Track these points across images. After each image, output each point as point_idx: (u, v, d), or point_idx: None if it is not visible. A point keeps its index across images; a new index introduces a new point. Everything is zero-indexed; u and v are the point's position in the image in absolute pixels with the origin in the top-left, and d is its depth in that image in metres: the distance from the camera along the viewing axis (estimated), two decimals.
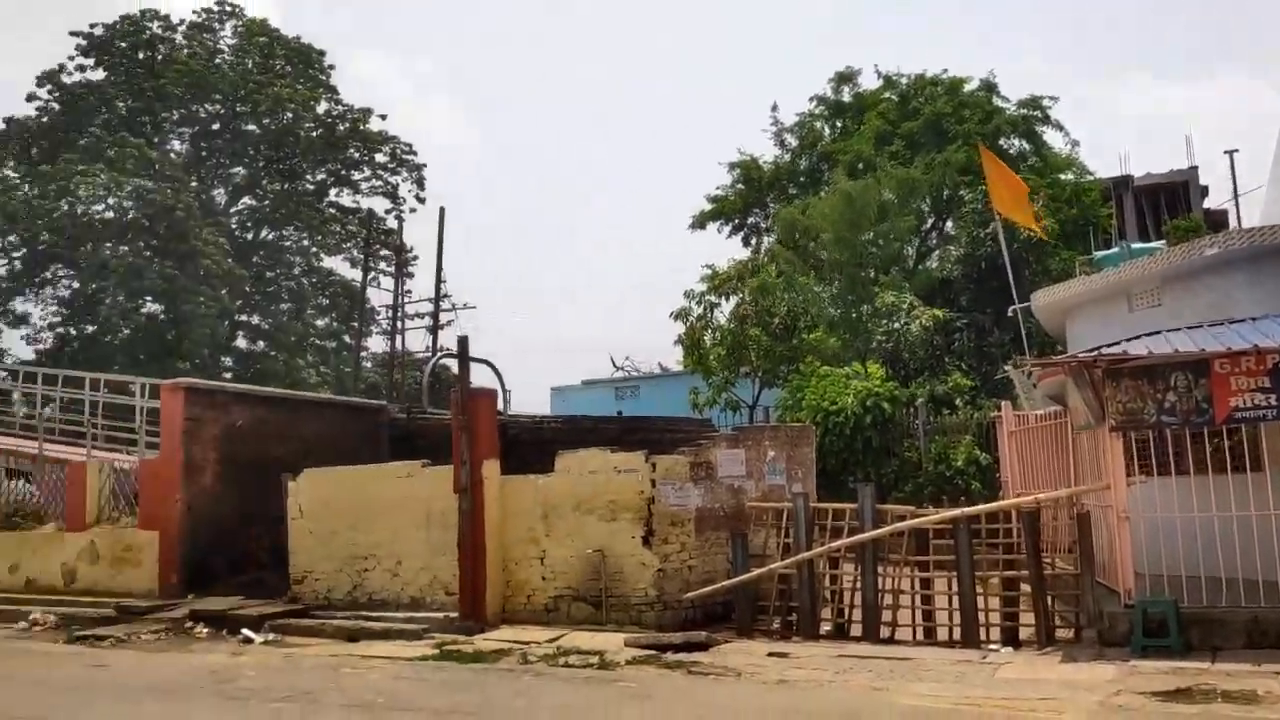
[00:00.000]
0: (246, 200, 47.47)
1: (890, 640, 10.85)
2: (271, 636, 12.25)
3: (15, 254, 41.80)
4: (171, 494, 14.69)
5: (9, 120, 44.20)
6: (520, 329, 75.45)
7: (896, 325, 22.18)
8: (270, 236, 47.09)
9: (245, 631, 12.31)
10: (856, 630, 11.23)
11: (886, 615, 11.07)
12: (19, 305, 43.20)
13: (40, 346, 42.90)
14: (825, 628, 11.47)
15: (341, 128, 46.12)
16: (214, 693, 9.16)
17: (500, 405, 15.56)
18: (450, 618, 12.14)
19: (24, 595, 15.51)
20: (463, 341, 13.57)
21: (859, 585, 11.35)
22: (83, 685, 9.80)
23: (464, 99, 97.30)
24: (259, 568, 14.94)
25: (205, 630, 12.74)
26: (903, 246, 26.20)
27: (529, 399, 45.49)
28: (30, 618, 14.10)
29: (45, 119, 43.85)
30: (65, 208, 39.05)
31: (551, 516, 12.43)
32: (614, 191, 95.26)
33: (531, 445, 14.03)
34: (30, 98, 44.14)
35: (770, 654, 10.27)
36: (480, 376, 14.21)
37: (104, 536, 15.27)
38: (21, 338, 43.53)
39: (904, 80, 32.69)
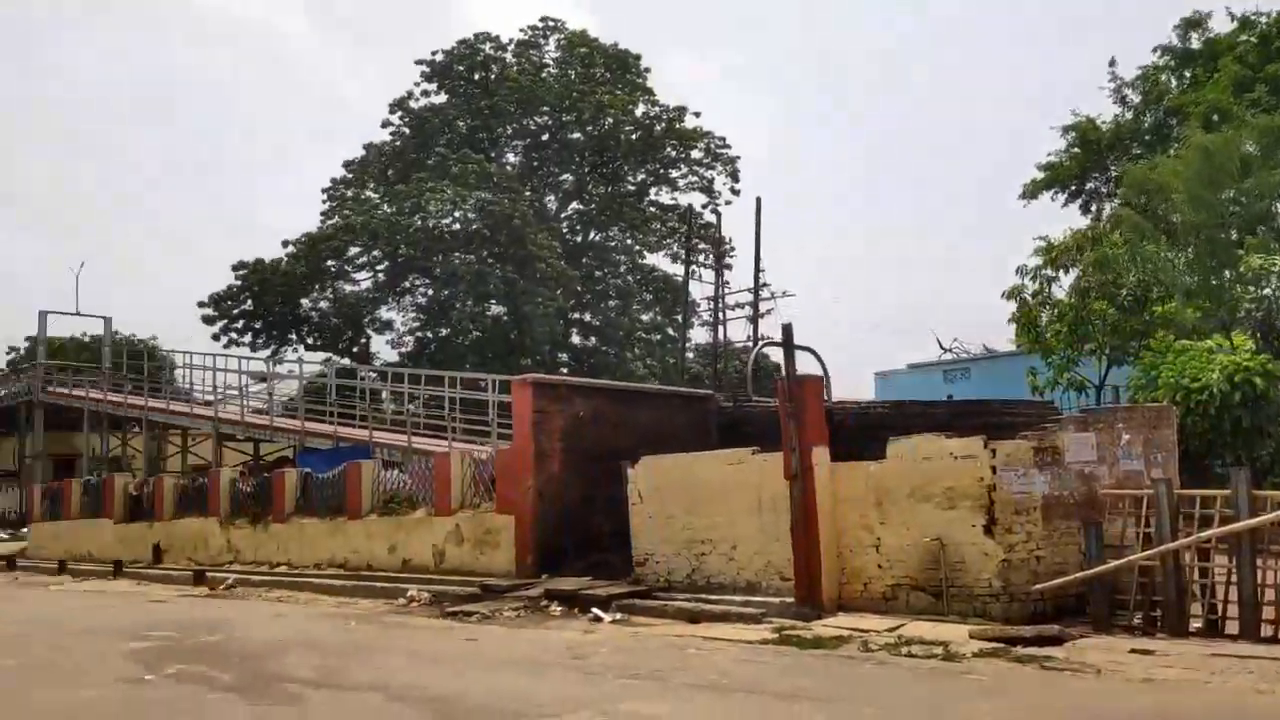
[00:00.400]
0: (575, 205, 50.14)
1: (1273, 640, 9.74)
2: (618, 616, 12.85)
3: (379, 267, 46.45)
4: (524, 481, 15.77)
5: (368, 147, 49.29)
6: (840, 314, 74.74)
7: (1267, 291, 19.89)
8: (597, 238, 49.46)
9: (595, 610, 13.00)
10: (1231, 628, 10.17)
11: (1268, 612, 9.94)
12: (384, 313, 48.06)
13: (403, 349, 47.51)
14: (1194, 625, 10.47)
15: (658, 128, 47.58)
16: (572, 667, 9.73)
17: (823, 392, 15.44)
18: (786, 603, 12.20)
19: (401, 574, 17.25)
20: (787, 329, 13.57)
21: (1233, 579, 10.26)
22: (456, 657, 10.72)
23: (772, 85, 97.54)
24: (602, 550, 15.73)
25: (559, 608, 13.57)
26: (1270, 204, 23.45)
27: (851, 385, 44.95)
28: (408, 594, 15.66)
29: (398, 143, 48.47)
30: (419, 223, 42.93)
31: (885, 504, 12.17)
32: (931, 169, 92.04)
33: (858, 431, 13.80)
34: (385, 124, 49.02)
35: (1132, 650, 9.51)
36: (803, 364, 14.11)
37: (467, 520, 16.65)
38: (386, 342, 48.46)
39: (1263, 20, 29.27)
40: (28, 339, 52.78)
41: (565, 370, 43.72)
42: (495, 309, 44.74)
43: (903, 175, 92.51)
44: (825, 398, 14.61)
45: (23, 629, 14.44)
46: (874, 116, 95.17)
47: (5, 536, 32.51)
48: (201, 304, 45.08)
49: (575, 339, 48.61)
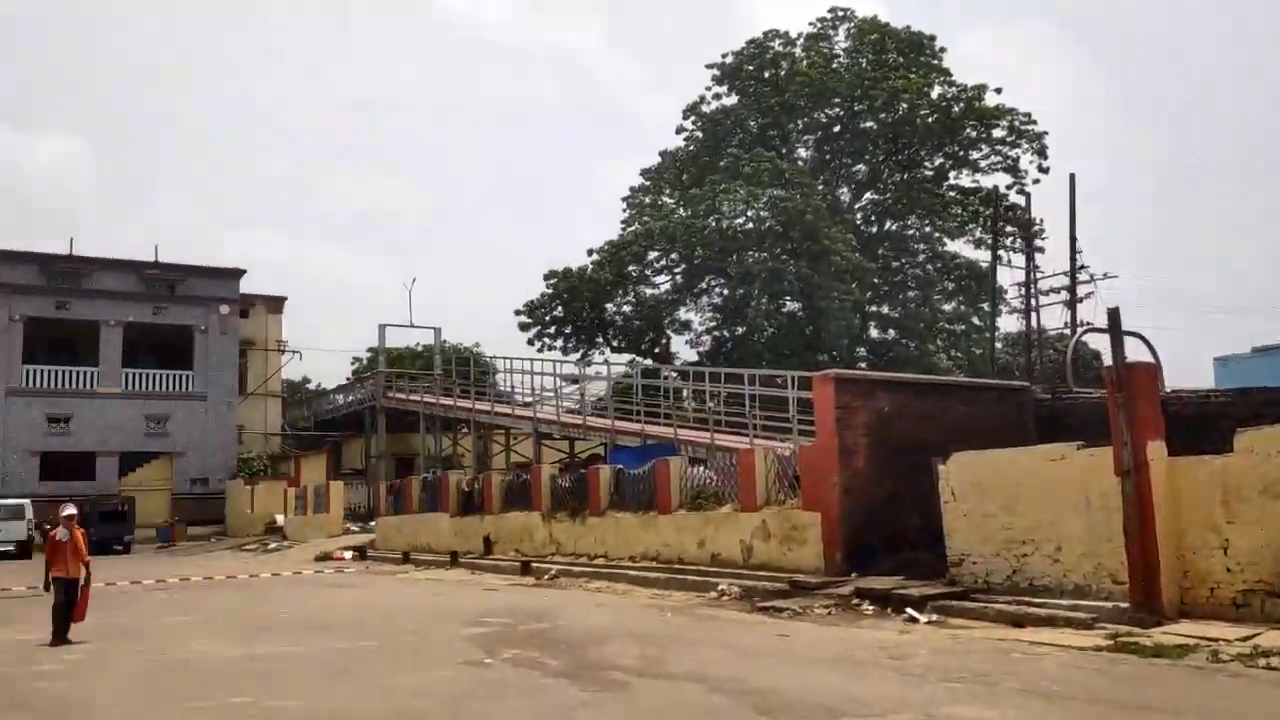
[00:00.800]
0: (869, 195, 49.19)
1: None
2: (934, 617, 12.48)
3: (676, 270, 47.63)
4: (829, 477, 15.66)
5: (663, 153, 50.68)
6: (1169, 295, 68.86)
7: None
8: (893, 227, 48.27)
9: (909, 611, 12.69)
10: None
11: None
12: (682, 314, 49.22)
13: (701, 349, 48.46)
14: None
15: (956, 109, 45.80)
16: (889, 667, 9.56)
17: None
18: (1120, 608, 11.37)
19: (710, 567, 17.60)
20: (1114, 313, 12.66)
21: None
22: (770, 651, 10.81)
23: (1079, 53, 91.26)
24: (912, 548, 15.32)
25: (870, 607, 13.37)
26: None
27: (1186, 372, 41.32)
28: (719, 588, 15.97)
29: (691, 147, 49.49)
30: (713, 224, 43.62)
31: (1233, 502, 11.07)
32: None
33: (1196, 422, 12.68)
34: (678, 130, 50.21)
35: None
36: (1131, 350, 13.09)
37: (773, 517, 16.75)
38: (685, 342, 49.62)
39: None
40: (369, 350, 58.41)
41: (864, 365, 43.01)
42: (790, 305, 44.71)
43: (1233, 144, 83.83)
44: (1158, 387, 13.52)
45: (379, 613, 15.98)
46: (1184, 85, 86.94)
47: (356, 529, 36.10)
48: (518, 312, 48.06)
49: (873, 332, 47.70)
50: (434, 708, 8.31)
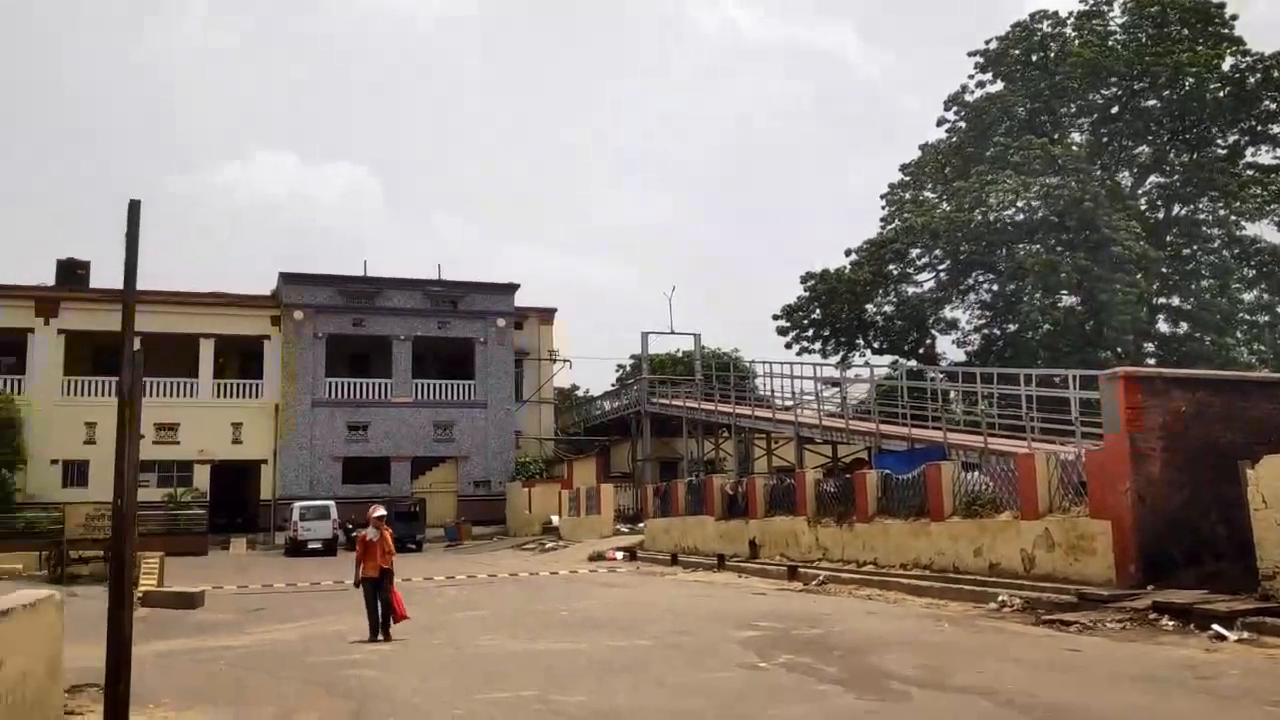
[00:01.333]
0: (1153, 179, 45.73)
1: None
2: (1245, 635, 11.40)
3: (940, 266, 46.04)
4: (1119, 483, 14.65)
5: (924, 147, 49.16)
6: None
7: None
8: (1182, 212, 44.60)
9: (1216, 627, 11.66)
10: None
11: None
12: (947, 312, 47.52)
13: (969, 348, 46.59)
14: None
15: (1252, 80, 41.80)
16: (1195, 688, 8.83)
17: None
18: None
19: (988, 577, 16.84)
20: None
21: None
22: (1060, 666, 10.23)
23: None
24: (1215, 559, 14.07)
25: (1170, 623, 12.39)
26: None
27: None
28: (999, 599, 15.27)
29: (954, 139, 47.74)
30: (979, 217, 41.85)
31: None
32: None
33: None
34: (940, 122, 48.54)
35: None
36: None
37: (1056, 525, 15.84)
38: (952, 342, 47.87)
39: None
40: (632, 357, 60.05)
41: (1151, 361, 39.93)
42: (1067, 300, 42.19)
43: None
44: None
45: (652, 613, 16.38)
46: None
47: (625, 530, 37.17)
48: (775, 316, 47.98)
49: (1162, 326, 44.20)
50: (712, 709, 8.41)
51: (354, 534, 41.31)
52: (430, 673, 10.65)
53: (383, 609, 13.41)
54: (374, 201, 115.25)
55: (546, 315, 54.31)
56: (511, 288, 51.56)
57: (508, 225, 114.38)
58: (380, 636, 13.25)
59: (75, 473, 43.24)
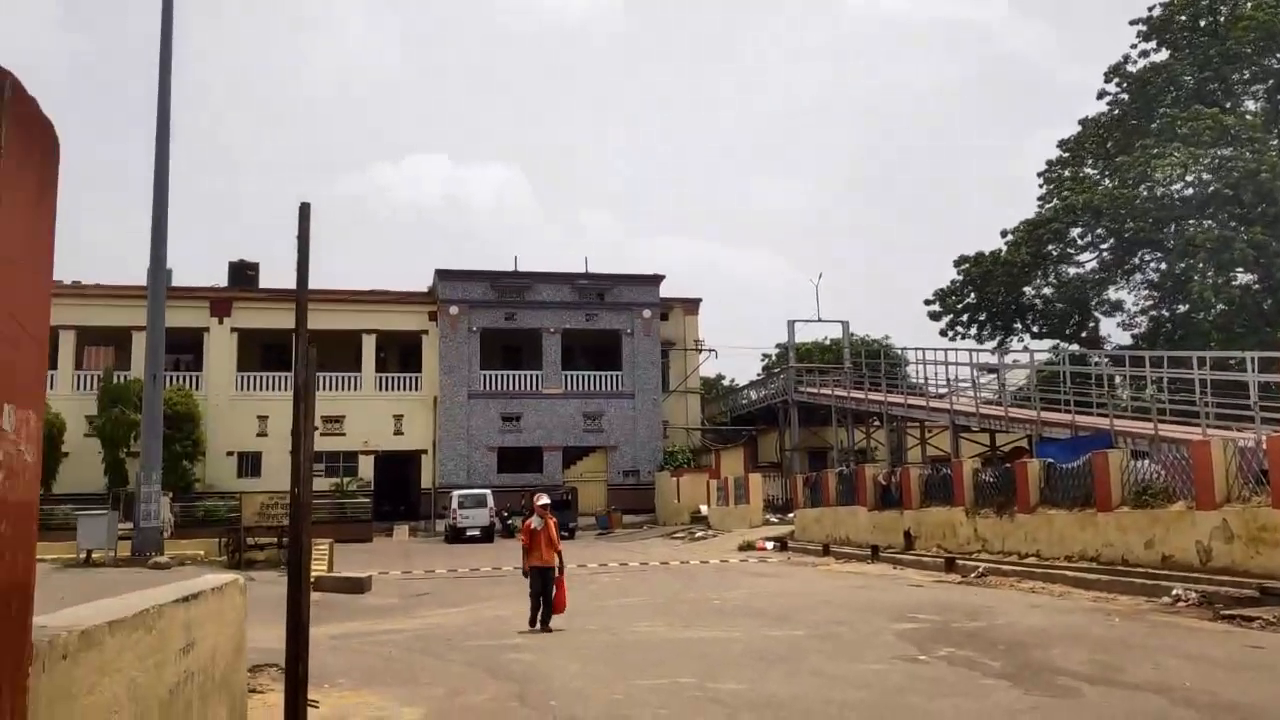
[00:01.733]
0: None
1: None
2: None
3: (1103, 246, 44.03)
4: None
5: (1084, 122, 47.10)
6: None
7: None
8: None
9: None
10: None
11: None
12: (1111, 294, 45.45)
13: (1135, 330, 44.48)
14: None
15: None
16: None
17: None
18: None
19: (1160, 570, 16.07)
20: None
21: None
22: (1239, 664, 9.70)
23: None
24: None
25: None
26: None
27: None
28: (1173, 593, 14.57)
29: (1116, 111, 45.54)
30: (1144, 193, 39.86)
31: None
32: None
33: None
34: (1100, 95, 46.38)
35: None
36: None
37: (1235, 515, 14.98)
38: (1117, 324, 45.78)
39: None
40: (777, 345, 59.65)
41: None
42: (1242, 278, 39.78)
43: None
44: None
45: (806, 604, 16.27)
46: None
47: (775, 520, 36.96)
48: (928, 301, 46.80)
49: None
50: (873, 700, 8.30)
51: (510, 522, 42.65)
52: (588, 658, 10.84)
53: (545, 601, 13.15)
54: (523, 199, 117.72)
55: (691, 306, 54.42)
56: (657, 279, 51.85)
57: (653, 218, 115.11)
58: (538, 626, 13.05)
59: (249, 464, 45.73)
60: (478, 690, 9.12)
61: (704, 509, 42.11)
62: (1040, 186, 47.27)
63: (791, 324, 48.08)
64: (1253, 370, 21.76)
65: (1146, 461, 18.42)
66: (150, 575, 22.16)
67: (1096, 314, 46.03)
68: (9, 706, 2.53)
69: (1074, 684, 8.82)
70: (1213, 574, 15.01)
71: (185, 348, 46.52)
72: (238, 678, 7.29)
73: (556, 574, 13.21)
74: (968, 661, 10.12)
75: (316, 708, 7.93)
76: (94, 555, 27.05)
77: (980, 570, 19.74)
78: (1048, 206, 44.52)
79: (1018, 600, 15.99)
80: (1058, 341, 45.84)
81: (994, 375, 35.24)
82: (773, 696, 8.56)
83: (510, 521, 42.99)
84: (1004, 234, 45.14)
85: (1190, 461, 16.26)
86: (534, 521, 13.50)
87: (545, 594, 13.15)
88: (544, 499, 13.95)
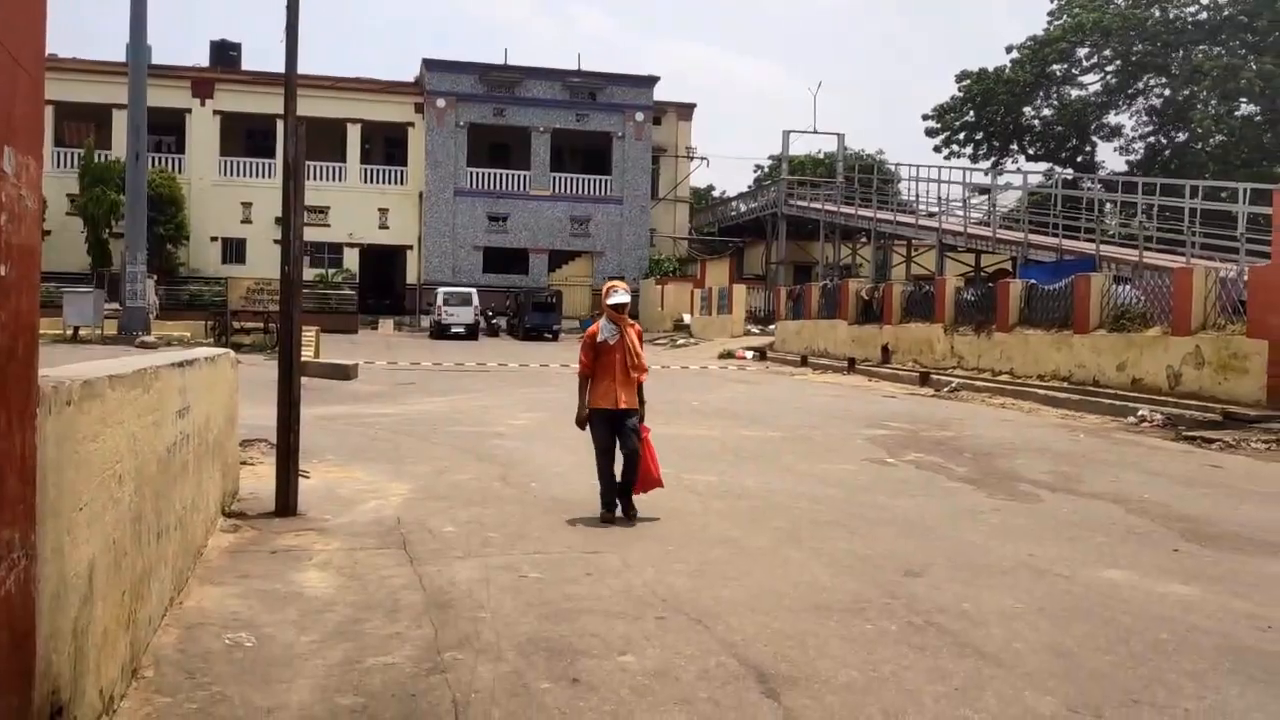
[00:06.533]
0: None
1: None
2: None
3: (1109, 68, 43.05)
4: None
5: None
6: None
7: None
8: None
9: None
10: None
11: None
12: (1112, 118, 44.76)
13: (1131, 157, 44.11)
14: None
15: None
16: None
17: None
18: None
19: (1130, 392, 16.52)
20: None
21: None
22: (1197, 480, 10.10)
23: None
24: None
25: None
26: None
27: None
28: (1139, 414, 15.01)
29: None
30: (1157, 14, 38.74)
31: None
32: None
33: None
34: None
35: None
36: None
37: (1208, 342, 15.29)
38: (1114, 149, 45.46)
39: None
40: (770, 157, 58.81)
41: None
42: (1246, 108, 39.17)
43: None
44: None
45: (781, 409, 16.69)
46: None
47: (756, 331, 37.43)
48: (925, 116, 46.12)
49: None
50: (840, 496, 8.66)
51: (495, 321, 42.98)
52: (570, 447, 11.14)
53: (625, 467, 7.45)
54: None
55: (685, 111, 53.25)
56: (651, 80, 50.51)
57: (648, 16, 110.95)
58: (618, 513, 7.41)
59: (234, 250, 45.52)
60: (462, 470, 9.45)
61: (687, 318, 42.51)
62: (1052, 1, 45.77)
63: (786, 134, 47.34)
64: (1243, 202, 21.71)
65: (1128, 287, 18.63)
66: (139, 353, 22.41)
67: (1095, 138, 45.50)
68: (20, 442, 2.62)
69: (1034, 490, 9.21)
70: (1180, 398, 15.45)
71: (167, 129, 45.43)
72: (231, 445, 7.52)
73: (638, 422, 7.55)
74: (934, 466, 10.51)
75: (307, 478, 8.22)
76: (81, 332, 27.27)
77: (954, 385, 20.21)
78: (1056, 24, 43.23)
79: (988, 414, 16.46)
80: (1053, 165, 45.44)
81: (985, 196, 35.05)
82: (745, 489, 8.91)
83: (495, 321, 43.36)
84: (1009, 49, 44.01)
85: (1170, 289, 16.46)
86: (602, 328, 7.59)
87: (624, 457, 7.44)
88: (619, 292, 7.63)
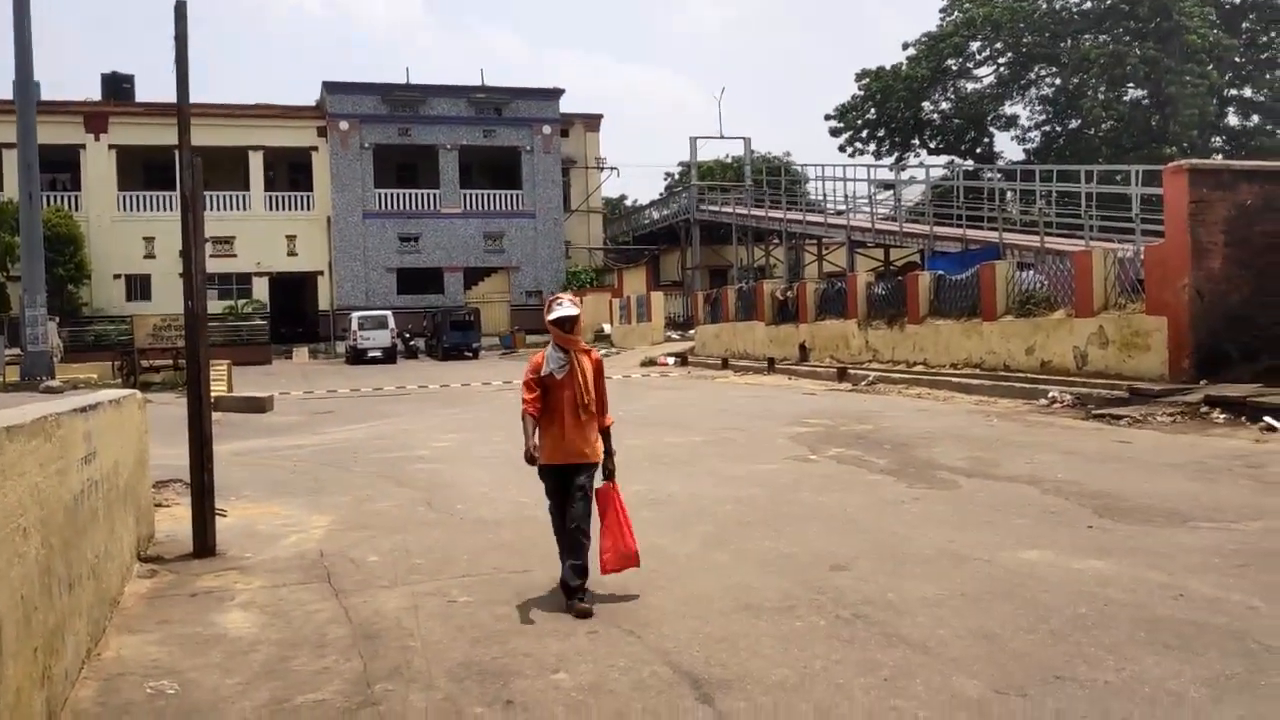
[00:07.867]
0: None
1: None
2: None
3: (1001, 60, 44.26)
4: (1178, 279, 14.48)
5: None
6: None
7: None
8: None
9: (1267, 419, 11.73)
10: None
11: None
12: (1007, 109, 45.99)
13: (1028, 146, 45.35)
14: None
15: None
16: (1242, 475, 8.98)
17: None
18: None
19: (1039, 375, 16.98)
20: None
21: None
22: (1109, 457, 10.41)
23: None
24: (1273, 355, 14.06)
25: (1222, 416, 12.49)
26: None
27: None
28: (1049, 395, 15.43)
29: None
30: (1044, 6, 39.91)
31: None
32: None
33: None
34: None
35: None
36: None
37: (1111, 322, 15.78)
38: (1011, 138, 46.57)
39: None
40: (680, 164, 59.23)
41: (1218, 156, 38.61)
42: (1133, 94, 40.62)
43: None
44: None
45: (705, 413, 16.78)
46: None
47: (676, 337, 37.64)
48: (828, 116, 46.83)
49: (1232, 119, 42.54)
50: (765, 495, 8.73)
51: (412, 343, 42.51)
52: (492, 467, 11.09)
53: (573, 540, 5.50)
54: (414, 9, 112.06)
55: (593, 122, 53.40)
56: (556, 93, 50.54)
57: (552, 32, 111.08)
58: (577, 598, 5.38)
59: (138, 286, 44.36)
60: (384, 498, 9.32)
61: (606, 328, 42.55)
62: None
63: (694, 140, 47.69)
64: (1136, 184, 22.47)
65: (1031, 273, 19.13)
66: (42, 399, 21.68)
67: (992, 129, 46.66)
68: None
69: (952, 477, 9.40)
70: (1088, 377, 15.92)
71: (61, 166, 44.15)
72: (143, 488, 7.31)
73: (589, 480, 5.66)
74: (855, 460, 10.67)
75: (225, 516, 8.03)
76: None
77: (871, 378, 20.54)
78: (949, 20, 44.31)
79: (905, 405, 16.76)
80: (954, 158, 46.52)
81: (890, 192, 35.72)
82: (671, 495, 8.94)
83: (412, 343, 42.89)
84: (905, 46, 44.99)
85: (1072, 272, 16.95)
86: (548, 358, 5.69)
87: (576, 520, 5.53)
88: (562, 305, 5.73)
